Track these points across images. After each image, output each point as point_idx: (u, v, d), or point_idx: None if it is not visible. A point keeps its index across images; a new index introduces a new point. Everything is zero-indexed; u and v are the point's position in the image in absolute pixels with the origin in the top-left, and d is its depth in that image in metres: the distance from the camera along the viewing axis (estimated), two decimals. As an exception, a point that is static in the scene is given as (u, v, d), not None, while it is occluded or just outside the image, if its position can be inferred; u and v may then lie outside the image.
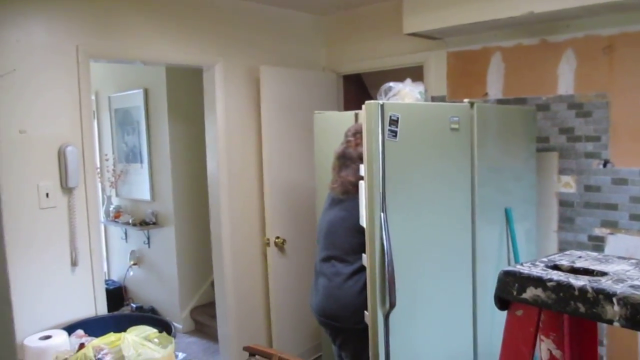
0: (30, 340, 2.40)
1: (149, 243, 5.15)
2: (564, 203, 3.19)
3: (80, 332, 2.61)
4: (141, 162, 5.06)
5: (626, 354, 3.00)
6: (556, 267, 1.43)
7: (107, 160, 5.43)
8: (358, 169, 2.58)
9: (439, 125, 2.51)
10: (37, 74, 2.79)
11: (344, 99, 4.44)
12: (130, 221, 5.07)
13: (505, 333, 1.45)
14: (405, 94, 2.75)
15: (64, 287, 2.92)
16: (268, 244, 3.80)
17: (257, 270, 3.99)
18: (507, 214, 2.86)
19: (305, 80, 4.03)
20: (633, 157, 2.92)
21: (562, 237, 3.22)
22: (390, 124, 2.28)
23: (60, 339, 2.42)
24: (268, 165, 3.77)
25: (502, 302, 1.45)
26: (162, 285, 5.09)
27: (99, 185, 5.17)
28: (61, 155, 2.86)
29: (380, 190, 2.27)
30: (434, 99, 3.71)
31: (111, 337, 1.71)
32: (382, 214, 2.27)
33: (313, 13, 4.29)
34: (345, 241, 2.61)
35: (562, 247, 3.19)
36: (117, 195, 5.44)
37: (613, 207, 3.00)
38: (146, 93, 4.91)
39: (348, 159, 2.66)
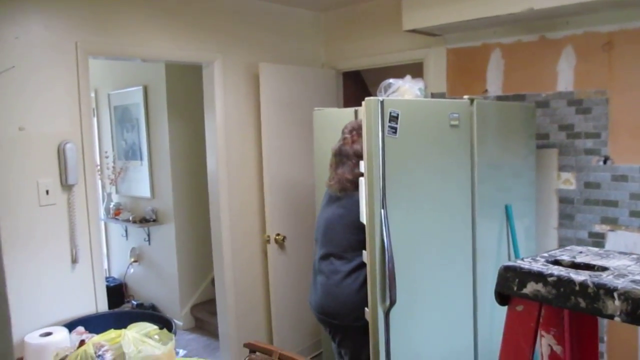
0: (30, 337, 2.40)
1: (149, 240, 5.15)
2: (564, 200, 3.19)
3: (80, 329, 2.62)
4: (141, 159, 5.05)
5: (626, 350, 3.00)
6: (557, 262, 1.43)
7: (106, 157, 5.42)
8: (354, 166, 2.59)
9: (439, 121, 2.51)
10: (36, 71, 2.79)
11: (343, 96, 4.43)
12: (130, 218, 5.07)
13: (506, 328, 1.45)
14: (404, 91, 2.75)
15: (65, 284, 2.92)
16: (268, 241, 3.80)
17: (257, 267, 4.00)
18: (507, 211, 2.86)
19: (305, 77, 4.02)
20: (633, 154, 2.92)
21: (562, 234, 3.22)
22: (390, 121, 2.28)
23: (61, 335, 2.42)
24: (268, 162, 3.76)
25: (502, 297, 1.45)
26: (162, 282, 5.09)
27: (99, 182, 5.17)
28: (61, 153, 2.86)
29: (380, 187, 2.27)
30: (433, 95, 3.71)
31: (111, 333, 1.70)
32: (382, 211, 2.27)
33: (312, 10, 4.29)
34: (343, 238, 2.61)
35: (562, 244, 3.19)
36: (117, 192, 5.44)
37: (613, 203, 3.00)
38: (145, 90, 4.90)
39: (344, 156, 2.66)
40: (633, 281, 1.21)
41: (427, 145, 2.47)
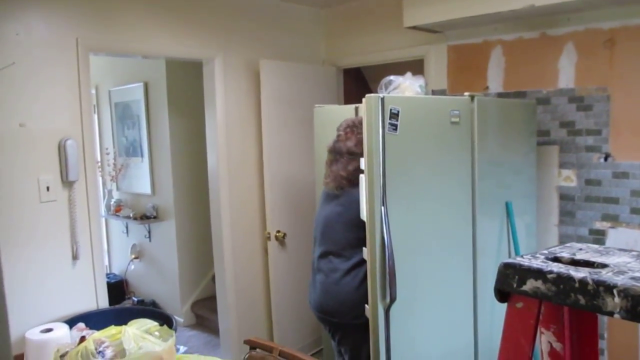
0: (31, 334, 2.40)
1: (149, 237, 5.16)
2: (565, 197, 3.19)
3: (81, 325, 2.62)
4: (142, 156, 5.06)
5: (626, 347, 3.01)
6: (556, 259, 1.43)
7: (107, 154, 5.42)
8: (347, 163, 2.59)
9: (440, 118, 2.50)
10: (36, 67, 2.79)
11: (344, 93, 4.43)
12: (131, 215, 5.08)
13: (505, 325, 1.45)
14: (405, 88, 2.74)
15: (65, 280, 2.93)
16: (269, 238, 3.80)
17: (257, 264, 4.00)
18: (508, 208, 2.86)
19: (305, 74, 4.02)
20: (634, 151, 2.92)
21: (562, 231, 3.22)
22: (390, 118, 2.28)
23: (61, 332, 2.43)
24: (268, 159, 3.76)
25: (502, 294, 1.45)
26: (163, 278, 5.09)
27: (100, 179, 5.18)
28: (61, 149, 2.86)
29: (381, 184, 2.27)
30: (434, 92, 3.70)
31: (112, 330, 1.70)
32: (382, 208, 2.27)
33: (313, 6, 4.28)
34: (342, 236, 2.60)
35: (563, 241, 3.19)
36: (117, 189, 5.44)
37: (614, 200, 3.00)
38: (146, 87, 4.90)
39: (338, 153, 2.66)
40: (633, 278, 1.21)
41: (427, 143, 2.47)
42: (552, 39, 3.17)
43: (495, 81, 3.44)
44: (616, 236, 3.01)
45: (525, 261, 1.40)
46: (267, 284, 3.97)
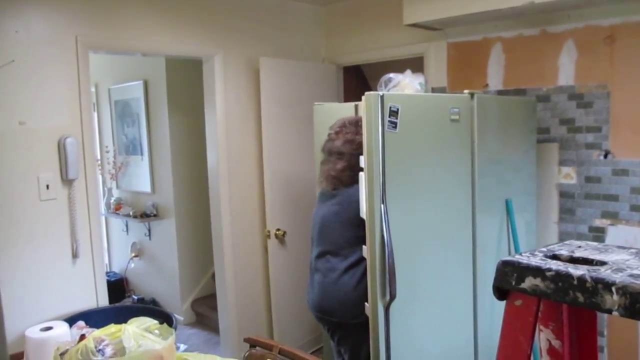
0: (31, 332, 2.40)
1: (149, 235, 5.16)
2: (565, 194, 3.19)
3: (81, 323, 2.62)
4: (141, 154, 5.06)
5: (626, 344, 3.01)
6: (555, 257, 1.43)
7: (107, 152, 5.43)
8: (336, 162, 2.60)
9: (439, 116, 2.50)
10: (36, 65, 2.78)
11: (343, 91, 4.43)
12: (131, 213, 5.08)
13: (504, 323, 1.45)
14: (405, 85, 2.74)
15: (65, 278, 2.93)
16: (268, 236, 3.80)
17: (257, 262, 4.00)
18: (508, 205, 2.86)
19: (305, 71, 4.01)
20: (634, 148, 2.92)
21: (562, 228, 3.22)
22: (390, 115, 2.27)
23: (61, 330, 2.43)
24: (268, 157, 3.76)
25: (500, 292, 1.45)
26: (163, 277, 5.10)
27: (100, 177, 5.18)
28: (61, 147, 2.86)
29: (380, 182, 2.27)
30: (434, 90, 3.70)
31: (112, 328, 1.70)
32: (382, 206, 2.27)
33: (313, 3, 4.27)
34: (339, 235, 2.60)
35: (563, 238, 3.19)
36: (117, 187, 5.45)
37: (614, 198, 3.00)
38: (146, 85, 4.90)
39: (329, 153, 2.68)
40: (631, 275, 1.21)
41: (427, 140, 2.46)
42: (552, 36, 3.16)
43: (495, 79, 3.44)
44: (616, 233, 3.01)
45: (524, 259, 1.40)
46: (267, 282, 3.97)
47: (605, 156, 3.01)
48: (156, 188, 5.01)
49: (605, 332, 3.06)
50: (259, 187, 3.93)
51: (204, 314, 4.93)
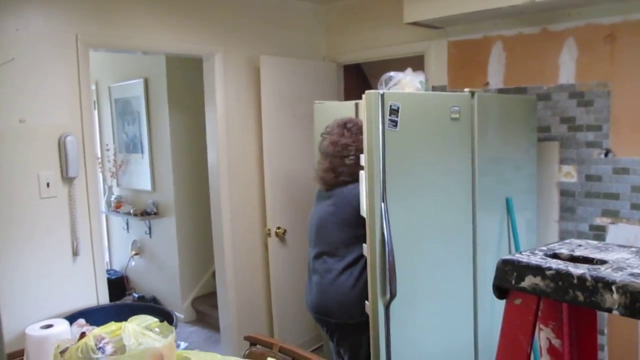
0: (31, 329, 2.40)
1: (150, 233, 5.16)
2: (565, 193, 3.19)
3: (81, 321, 2.61)
4: (142, 152, 5.05)
5: (627, 342, 3.01)
6: (555, 256, 1.43)
7: (107, 150, 5.42)
8: (323, 163, 2.65)
9: (440, 114, 2.50)
10: (36, 63, 2.78)
11: (344, 89, 4.42)
12: (132, 211, 5.08)
13: (504, 322, 1.45)
14: (405, 84, 2.74)
15: (66, 276, 2.93)
16: (269, 234, 3.80)
17: (258, 260, 4.00)
18: (508, 204, 2.86)
19: (306, 70, 4.01)
20: (634, 147, 2.91)
21: (563, 227, 3.22)
22: (390, 114, 2.27)
23: (62, 328, 2.42)
24: (268, 155, 3.76)
25: (500, 291, 1.45)
26: (163, 275, 5.10)
27: (100, 175, 5.18)
28: (61, 145, 2.86)
29: (381, 180, 2.27)
30: (434, 88, 3.69)
31: (112, 326, 1.70)
32: (382, 204, 2.27)
33: (313, 2, 4.27)
34: (335, 236, 2.60)
35: (563, 237, 3.19)
36: (118, 185, 5.44)
37: (614, 196, 3.00)
38: (146, 83, 4.90)
39: (320, 154, 2.72)
40: (632, 274, 1.21)
41: (427, 139, 2.46)
42: (552, 34, 3.16)
43: (495, 77, 3.44)
44: (616, 232, 3.00)
45: (524, 258, 1.40)
46: (267, 280, 3.97)
47: (606, 155, 3.01)
48: (156, 186, 5.01)
49: (606, 331, 3.06)
50: (259, 186, 3.93)
51: (205, 312, 4.93)
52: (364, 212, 2.36)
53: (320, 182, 2.70)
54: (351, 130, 2.61)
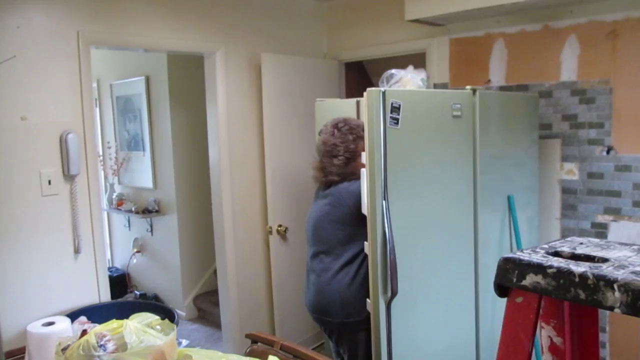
0: (33, 327, 2.40)
1: (151, 231, 5.17)
2: (567, 190, 3.18)
3: (83, 318, 2.61)
4: (143, 149, 5.06)
5: (628, 340, 3.01)
6: (557, 254, 1.42)
7: (109, 148, 5.43)
8: (315, 160, 2.68)
9: (441, 112, 2.50)
10: (38, 60, 2.78)
11: (345, 87, 4.41)
12: (133, 209, 5.08)
13: (505, 320, 1.44)
14: (407, 81, 2.73)
15: (67, 274, 2.94)
16: (270, 232, 3.80)
17: (259, 258, 4.00)
18: (510, 202, 2.86)
19: (307, 67, 4.01)
20: (636, 144, 2.91)
21: (564, 225, 3.21)
22: (391, 111, 2.27)
23: (63, 325, 2.43)
24: (269, 153, 3.76)
25: (501, 289, 1.44)
26: (165, 272, 5.11)
27: (101, 173, 5.18)
28: (63, 143, 2.86)
29: (382, 178, 2.26)
30: (436, 86, 3.69)
31: (113, 323, 1.70)
32: (383, 202, 2.27)
33: (315, -1, 4.27)
34: (331, 235, 2.60)
35: (565, 235, 3.19)
36: (119, 183, 5.45)
37: (616, 194, 2.99)
38: (147, 80, 4.90)
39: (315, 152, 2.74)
40: (633, 272, 1.21)
41: (429, 136, 2.46)
42: (554, 31, 3.15)
43: (497, 74, 3.43)
44: (618, 229, 3.00)
45: (525, 256, 1.39)
46: (268, 278, 3.97)
47: (608, 152, 3.00)
48: (158, 184, 5.01)
49: (607, 329, 3.06)
50: (260, 183, 3.93)
51: (206, 309, 4.94)
52: (365, 210, 2.36)
53: (314, 180, 2.73)
54: (341, 130, 2.61)
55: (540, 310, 1.39)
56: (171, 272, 5.03)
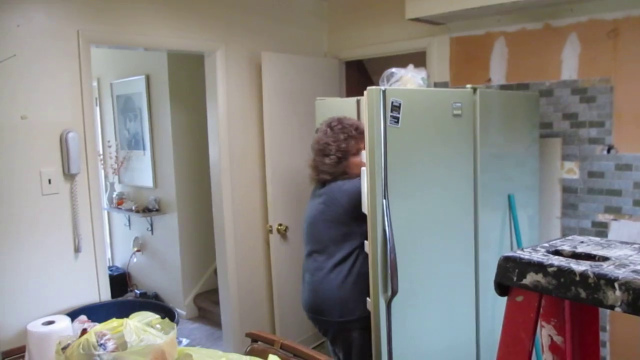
0: (33, 326, 2.40)
1: (152, 230, 5.17)
2: (567, 189, 3.18)
3: (83, 317, 2.62)
4: (143, 148, 5.06)
5: (629, 339, 3.00)
6: (557, 253, 1.42)
7: (109, 147, 5.43)
8: (310, 159, 2.70)
9: (442, 111, 2.49)
10: (38, 59, 2.78)
11: (346, 86, 4.41)
12: (133, 208, 5.08)
13: (505, 319, 1.44)
14: (407, 80, 2.73)
15: (67, 273, 2.94)
16: (270, 231, 3.80)
17: (259, 257, 4.00)
18: (510, 200, 2.85)
19: (307, 66, 4.00)
20: (637, 143, 2.90)
21: (565, 224, 3.21)
22: (392, 110, 2.27)
23: (63, 324, 2.43)
24: (270, 152, 3.76)
25: (502, 288, 1.44)
26: (165, 271, 5.11)
27: (102, 172, 5.18)
28: (63, 142, 2.86)
29: (382, 177, 2.26)
30: (436, 84, 3.68)
31: (113, 322, 1.70)
32: (383, 201, 2.26)
33: (315, -2, 4.26)
34: (325, 234, 2.60)
35: (565, 234, 3.18)
36: (119, 182, 5.45)
37: (617, 193, 2.99)
38: (148, 79, 4.89)
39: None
40: (634, 271, 1.20)
41: (429, 135, 2.46)
42: (555, 30, 3.15)
43: (497, 73, 3.42)
44: (619, 228, 3.00)
45: (526, 254, 1.39)
46: (269, 277, 3.97)
47: (609, 151, 3.00)
48: (158, 183, 5.01)
49: (608, 327, 3.06)
50: (261, 182, 3.93)
51: (206, 308, 4.94)
52: (365, 208, 2.36)
53: (310, 178, 2.75)
54: (334, 129, 2.62)
55: (541, 309, 1.39)
56: (171, 271, 5.03)
